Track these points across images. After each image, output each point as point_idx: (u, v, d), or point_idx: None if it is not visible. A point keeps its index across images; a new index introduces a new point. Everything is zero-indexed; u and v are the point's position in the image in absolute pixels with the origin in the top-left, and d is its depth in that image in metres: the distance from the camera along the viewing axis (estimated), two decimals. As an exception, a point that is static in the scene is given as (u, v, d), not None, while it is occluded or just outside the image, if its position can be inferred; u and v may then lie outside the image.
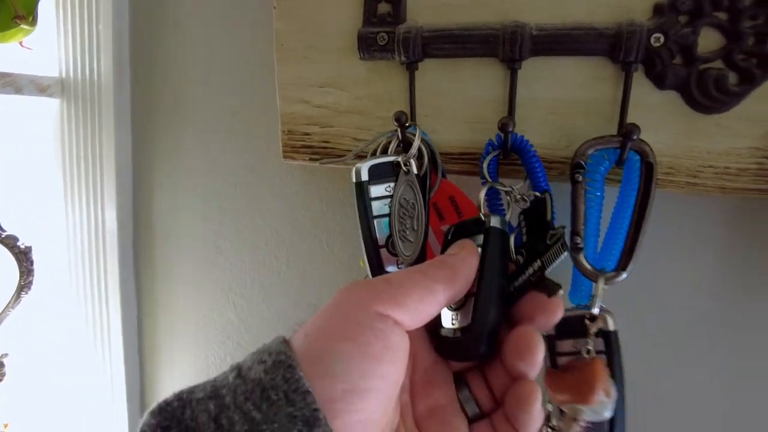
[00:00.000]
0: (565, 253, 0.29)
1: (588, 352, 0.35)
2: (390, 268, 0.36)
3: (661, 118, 0.36)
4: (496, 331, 0.26)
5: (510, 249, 0.29)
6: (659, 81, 0.35)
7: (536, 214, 0.33)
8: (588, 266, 0.35)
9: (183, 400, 0.20)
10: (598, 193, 0.35)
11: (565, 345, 0.36)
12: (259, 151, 0.50)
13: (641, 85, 0.35)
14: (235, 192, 0.52)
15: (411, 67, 0.39)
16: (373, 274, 0.36)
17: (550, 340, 0.37)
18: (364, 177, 0.35)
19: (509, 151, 0.37)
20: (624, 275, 0.35)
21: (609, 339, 0.35)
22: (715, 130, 0.35)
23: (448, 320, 0.26)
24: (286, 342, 0.21)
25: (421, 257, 0.36)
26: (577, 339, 0.36)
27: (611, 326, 0.35)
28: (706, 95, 0.34)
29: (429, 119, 0.41)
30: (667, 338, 0.41)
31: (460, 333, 0.25)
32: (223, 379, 0.21)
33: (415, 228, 0.36)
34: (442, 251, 0.38)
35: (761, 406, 0.40)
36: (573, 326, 0.36)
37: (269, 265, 0.51)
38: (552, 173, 0.38)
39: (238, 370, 0.21)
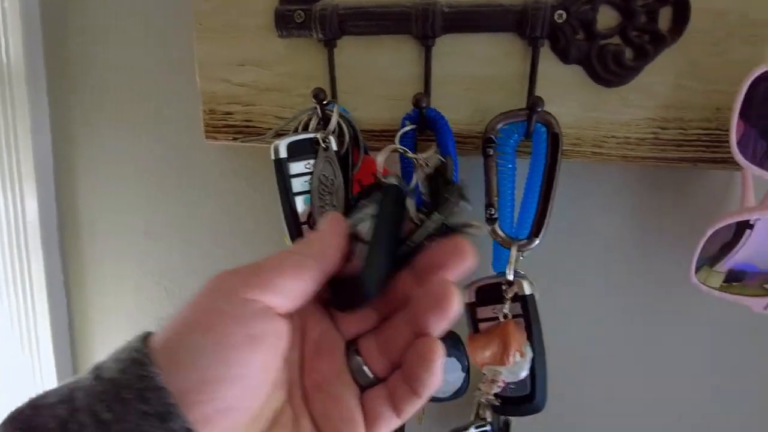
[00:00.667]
0: (463, 204, 0.29)
1: (505, 316, 0.37)
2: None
3: (568, 92, 0.38)
4: (385, 278, 0.26)
5: (408, 206, 0.29)
6: (564, 56, 0.37)
7: (440, 178, 0.32)
8: (502, 235, 0.37)
9: (36, 407, 0.19)
10: (510, 166, 0.37)
11: (486, 311, 0.38)
12: (182, 132, 0.49)
13: (548, 60, 0.37)
14: (160, 176, 0.51)
15: (329, 44, 0.39)
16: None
17: (472, 307, 0.38)
18: (283, 154, 0.35)
19: (425, 126, 0.37)
20: (536, 241, 0.36)
21: (525, 302, 0.37)
22: (617, 102, 0.37)
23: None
24: (145, 338, 0.21)
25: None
26: (496, 305, 0.38)
27: (527, 290, 0.37)
28: (607, 69, 0.36)
29: (350, 96, 0.41)
30: (583, 297, 0.44)
31: (351, 280, 0.26)
32: (81, 381, 0.20)
33: (335, 204, 0.37)
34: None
35: (669, 352, 0.44)
36: (492, 293, 0.37)
37: (199, 248, 0.50)
38: (468, 148, 0.39)
39: (98, 371, 0.20)
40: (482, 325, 0.38)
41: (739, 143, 0.33)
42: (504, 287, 0.37)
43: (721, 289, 0.39)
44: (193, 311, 0.22)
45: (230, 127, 0.44)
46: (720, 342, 0.43)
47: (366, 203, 0.29)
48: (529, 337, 0.36)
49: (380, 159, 0.30)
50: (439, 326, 0.24)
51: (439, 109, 0.38)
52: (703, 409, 0.44)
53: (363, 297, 0.25)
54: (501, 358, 0.35)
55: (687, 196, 0.41)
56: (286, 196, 0.35)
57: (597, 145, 0.38)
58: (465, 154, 0.39)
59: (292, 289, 0.23)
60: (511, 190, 0.37)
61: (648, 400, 0.45)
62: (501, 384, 0.36)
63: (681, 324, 0.43)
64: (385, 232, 0.27)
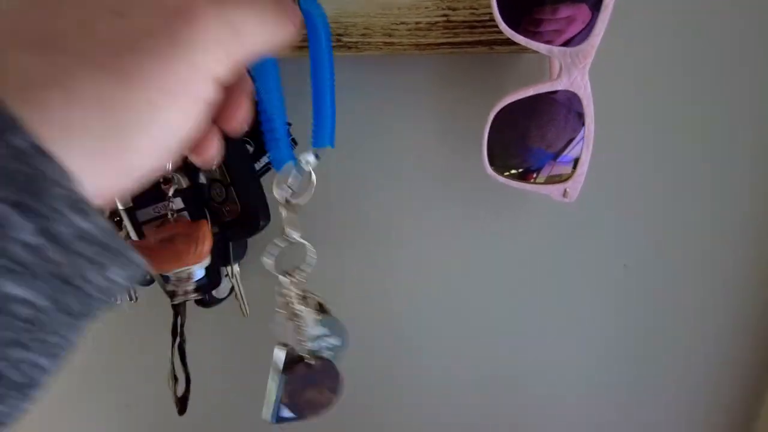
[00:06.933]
0: None
1: (172, 214, 0.35)
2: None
3: (350, -24, 0.35)
4: None
5: None
6: (338, -66, 0.34)
7: None
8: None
9: None
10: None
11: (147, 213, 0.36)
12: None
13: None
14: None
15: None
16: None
17: (130, 212, 0.35)
18: None
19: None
20: None
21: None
22: (402, -17, 0.35)
23: None
24: None
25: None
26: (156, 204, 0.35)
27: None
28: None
29: None
30: (383, 209, 0.42)
31: None
32: None
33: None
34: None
35: (489, 261, 0.43)
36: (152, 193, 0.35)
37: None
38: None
39: None
40: (146, 228, 0.36)
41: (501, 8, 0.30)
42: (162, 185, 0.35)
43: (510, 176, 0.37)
44: None
45: None
46: (539, 242, 0.41)
47: None
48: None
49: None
50: None
51: None
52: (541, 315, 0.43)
53: None
54: (192, 257, 0.34)
55: (494, 86, 0.38)
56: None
57: (387, 34, 0.36)
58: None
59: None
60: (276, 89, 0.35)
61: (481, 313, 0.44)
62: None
63: (496, 228, 0.41)
64: None
